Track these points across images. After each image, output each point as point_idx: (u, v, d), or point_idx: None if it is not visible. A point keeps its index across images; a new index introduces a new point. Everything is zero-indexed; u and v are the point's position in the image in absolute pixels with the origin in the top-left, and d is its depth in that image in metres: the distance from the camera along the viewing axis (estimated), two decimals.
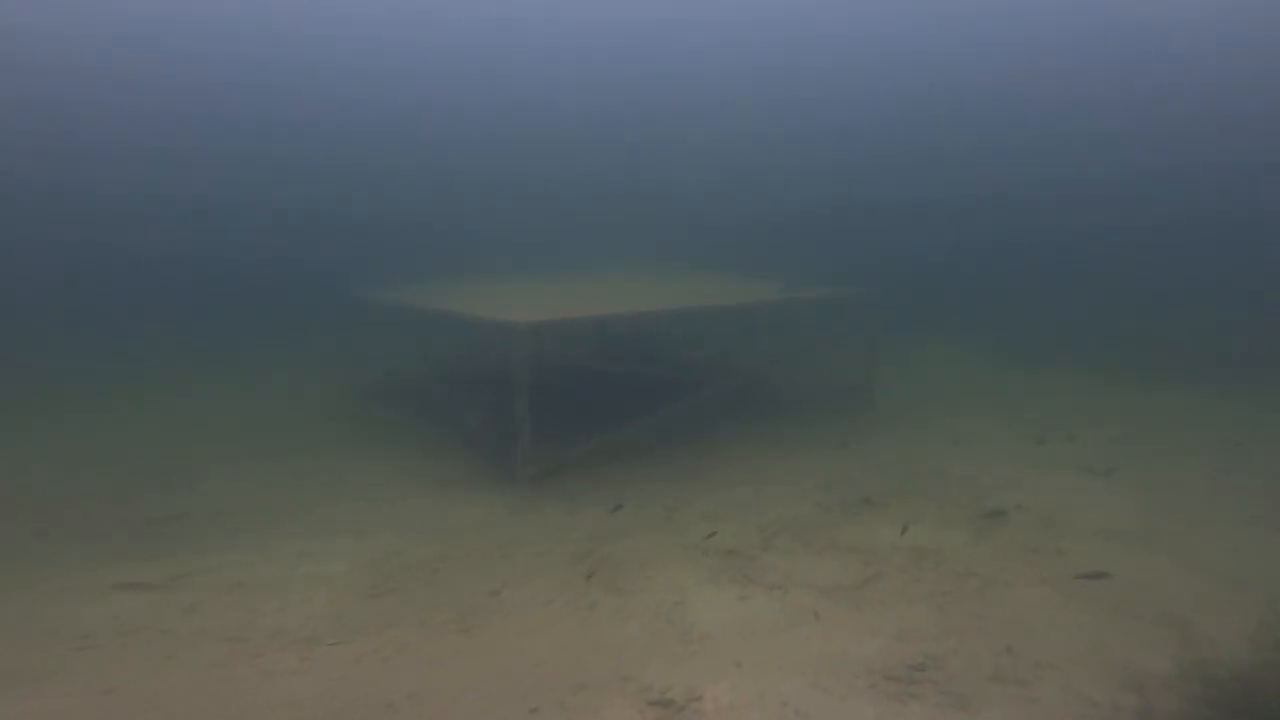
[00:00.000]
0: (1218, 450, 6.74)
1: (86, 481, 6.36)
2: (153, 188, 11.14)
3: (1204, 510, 5.44)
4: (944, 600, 4.17)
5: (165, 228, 11.21)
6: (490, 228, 12.95)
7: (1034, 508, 5.51)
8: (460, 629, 4.02)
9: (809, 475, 6.36)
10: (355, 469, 6.70)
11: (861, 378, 8.25)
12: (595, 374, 6.54)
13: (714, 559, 4.86)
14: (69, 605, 4.25)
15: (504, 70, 14.54)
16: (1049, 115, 12.43)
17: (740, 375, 7.57)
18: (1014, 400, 8.84)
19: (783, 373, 8.49)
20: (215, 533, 5.37)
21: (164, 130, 11.40)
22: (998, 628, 3.88)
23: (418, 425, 7.86)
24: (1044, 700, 3.28)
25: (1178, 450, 6.78)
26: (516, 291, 7.89)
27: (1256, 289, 10.63)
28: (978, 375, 10.22)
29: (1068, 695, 3.31)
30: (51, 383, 9.36)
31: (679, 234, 11.79)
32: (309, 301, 10.02)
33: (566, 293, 7.77)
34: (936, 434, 7.46)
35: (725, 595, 4.35)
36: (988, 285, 12.01)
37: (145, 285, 10.98)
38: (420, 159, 13.38)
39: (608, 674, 3.53)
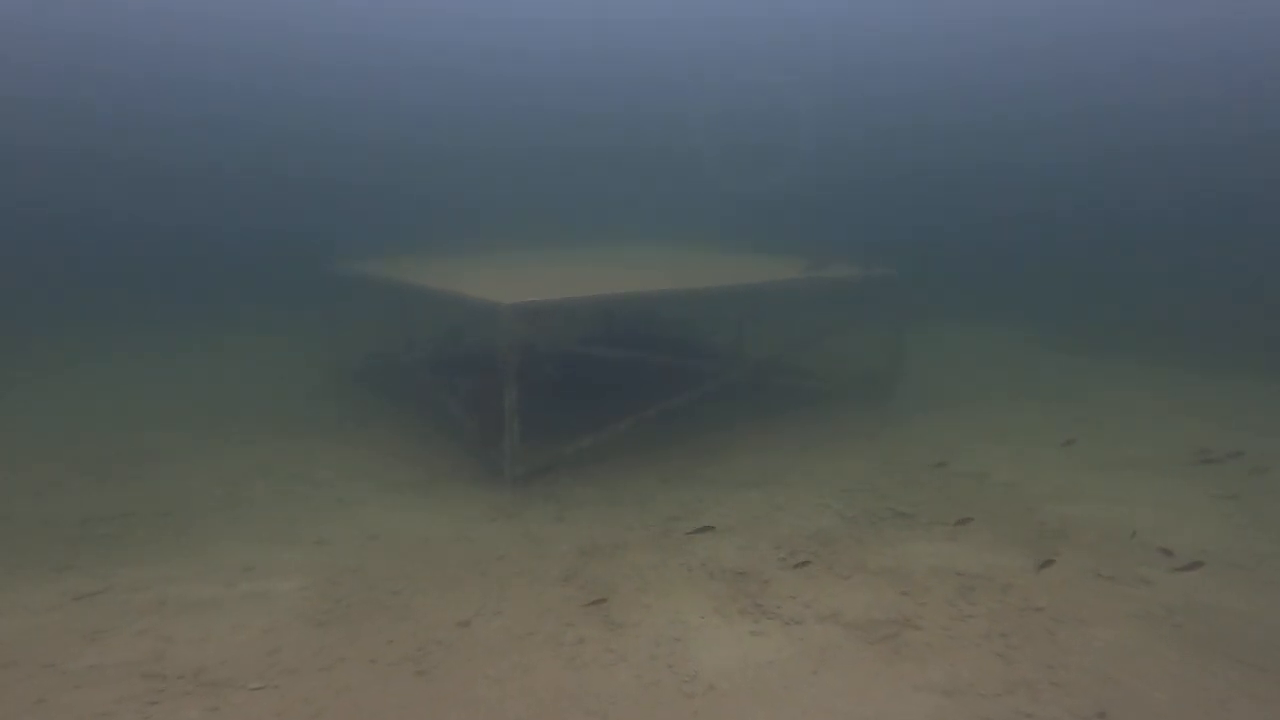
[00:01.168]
0: None
1: (17, 471, 5.69)
2: (120, 152, 10.42)
3: None
4: (1006, 644, 3.45)
5: (135, 193, 10.51)
6: (495, 201, 12.21)
7: (1103, 522, 4.76)
8: (417, 670, 3.33)
9: (830, 478, 5.63)
10: (326, 462, 6.02)
11: (887, 365, 7.49)
12: (592, 361, 5.79)
13: (721, 583, 4.15)
14: None
15: (508, 39, 13.67)
16: (1094, 84, 11.49)
17: (754, 363, 6.81)
18: (1059, 389, 8.01)
19: (801, 360, 7.73)
20: (155, 537, 4.70)
21: (135, 94, 10.64)
22: (1080, 682, 3.15)
23: (400, 413, 7.17)
24: None
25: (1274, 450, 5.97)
26: (514, 268, 7.15)
27: None
28: (1016, 361, 9.35)
29: None
30: None
31: (695, 210, 11.02)
32: (289, 273, 9.32)
33: (566, 271, 7.03)
34: (975, 429, 6.70)
35: (734, 631, 3.65)
36: (1025, 263, 11.13)
37: (107, 252, 10.30)
38: (422, 131, 12.61)
39: None
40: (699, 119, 9.39)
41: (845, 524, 4.87)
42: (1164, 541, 4.46)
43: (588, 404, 6.93)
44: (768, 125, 10.60)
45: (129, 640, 3.47)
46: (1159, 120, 11.02)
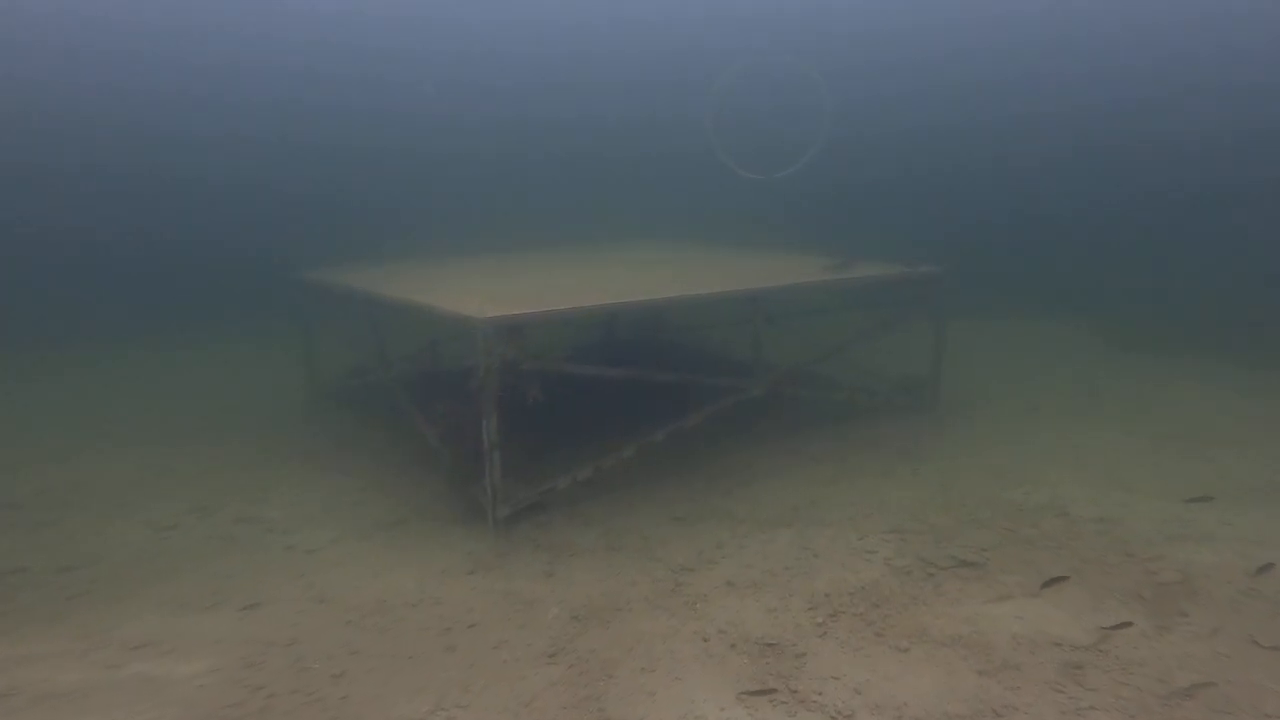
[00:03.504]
0: None
1: None
2: (74, 158, 9.75)
3: None
4: None
5: (93, 201, 9.82)
6: (491, 201, 11.42)
7: (1237, 570, 3.81)
8: None
9: (874, 514, 4.71)
10: (282, 497, 5.18)
11: (930, 372, 6.57)
12: (590, 380, 4.93)
13: (745, 658, 3.27)
14: None
15: (512, 38, 12.88)
16: (1153, 71, 10.48)
17: (777, 375, 5.91)
18: (1138, 396, 6.98)
19: (831, 370, 6.82)
20: (42, 600, 3.88)
21: (88, 100, 9.96)
22: None
23: (376, 439, 6.33)
24: None
25: None
26: (500, 274, 6.33)
27: None
28: (1082, 363, 8.24)
29: None
30: None
31: (707, 206, 10.19)
32: (257, 284, 8.57)
33: (560, 276, 6.19)
34: (1043, 450, 5.73)
35: None
36: (1090, 254, 10.05)
37: (56, 261, 9.61)
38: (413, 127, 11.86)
39: None
40: (711, 110, 8.55)
41: (897, 576, 3.96)
42: None
43: (585, 428, 6.08)
44: (790, 117, 9.70)
45: None
46: (1226, 104, 10.02)
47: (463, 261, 7.35)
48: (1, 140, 9.35)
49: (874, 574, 3.99)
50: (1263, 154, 9.76)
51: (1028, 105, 10.69)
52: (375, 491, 5.30)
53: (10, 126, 9.39)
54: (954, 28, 11.12)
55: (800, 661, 3.24)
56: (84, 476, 5.52)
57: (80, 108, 9.83)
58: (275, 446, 6.26)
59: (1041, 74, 10.67)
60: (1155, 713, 2.75)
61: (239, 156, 10.56)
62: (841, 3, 11.28)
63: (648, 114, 11.20)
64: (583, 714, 2.93)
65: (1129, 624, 3.35)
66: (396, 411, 6.21)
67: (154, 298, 9.81)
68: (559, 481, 4.89)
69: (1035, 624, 3.42)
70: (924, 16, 11.04)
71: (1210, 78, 10.10)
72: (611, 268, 6.73)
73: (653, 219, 9.33)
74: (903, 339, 6.68)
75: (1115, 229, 10.12)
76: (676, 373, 5.39)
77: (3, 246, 9.15)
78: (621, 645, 3.40)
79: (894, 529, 4.49)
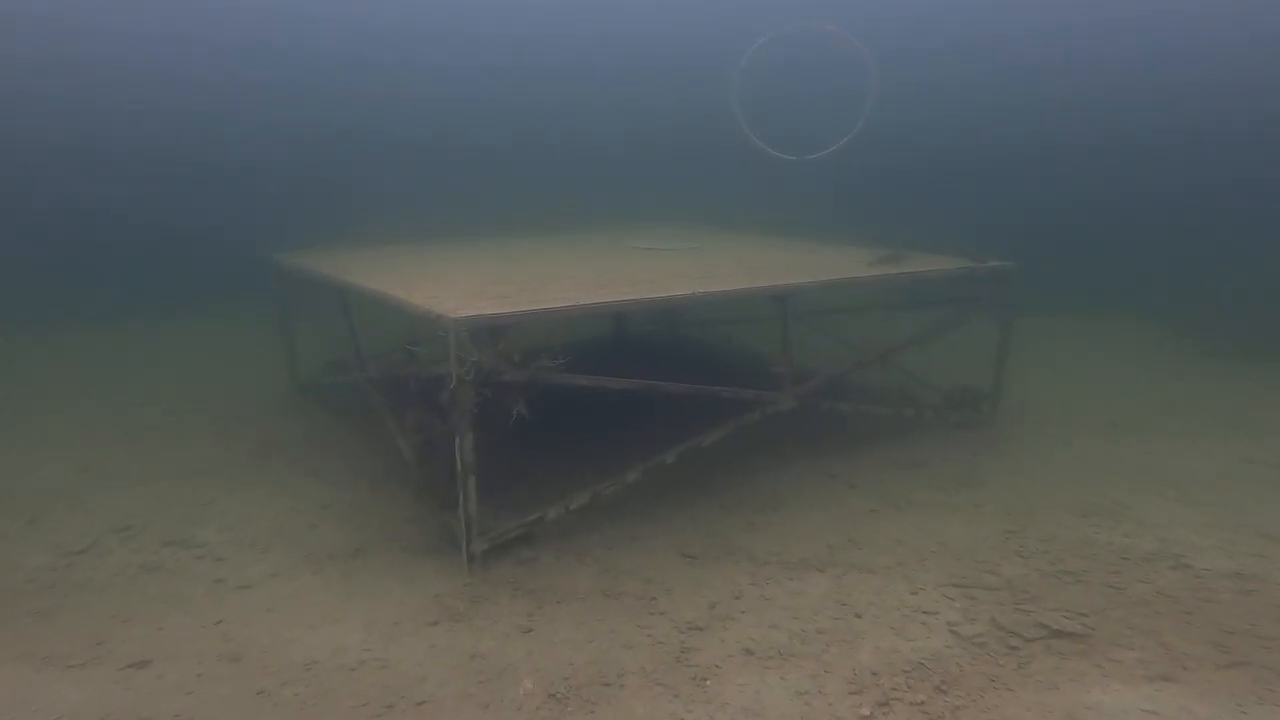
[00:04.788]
0: None
1: None
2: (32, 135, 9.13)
3: None
4: None
5: (51, 179, 9.18)
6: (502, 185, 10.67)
7: None
8: None
9: (927, 558, 3.85)
10: (226, 516, 4.43)
11: (993, 383, 5.67)
12: (587, 390, 4.12)
13: None
14: None
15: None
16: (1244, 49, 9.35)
17: (810, 387, 5.04)
18: (1237, 416, 5.93)
19: (873, 380, 5.95)
20: None
21: (46, 74, 9.32)
22: None
23: (346, 445, 5.58)
24: None
25: None
26: (505, 260, 5.54)
27: None
28: (1164, 374, 7.16)
29: None
30: None
31: (733, 193, 9.35)
32: (226, 267, 7.88)
33: (560, 265, 5.37)
34: (1132, 477, 4.80)
35: None
36: (1169, 248, 8.95)
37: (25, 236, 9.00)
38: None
39: None
40: (739, 82, 7.67)
41: (968, 649, 3.09)
42: None
43: (582, 443, 5.28)
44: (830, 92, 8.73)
45: None
46: None
47: (464, 245, 6.59)
48: None
49: (936, 644, 3.12)
50: None
51: (1107, 81, 9.61)
52: (338, 510, 4.54)
53: None
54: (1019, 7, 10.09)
55: None
56: (4, 484, 4.80)
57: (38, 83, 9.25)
58: (238, 446, 5.53)
59: (1124, 44, 9.57)
60: None
61: (233, 134, 9.91)
62: None
63: (676, 84, 10.43)
64: None
65: None
66: (371, 416, 5.45)
67: (130, 277, 9.18)
68: (549, 510, 4.08)
69: None
70: None
71: None
72: (626, 256, 5.91)
73: (678, 204, 8.52)
74: (952, 341, 5.78)
75: (1206, 220, 8.98)
76: (692, 380, 4.55)
77: None
78: None
79: (957, 581, 3.62)
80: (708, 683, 2.92)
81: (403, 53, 10.80)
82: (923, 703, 2.77)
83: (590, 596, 3.58)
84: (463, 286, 4.47)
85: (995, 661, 3.01)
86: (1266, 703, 2.66)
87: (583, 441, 5.26)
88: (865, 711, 2.74)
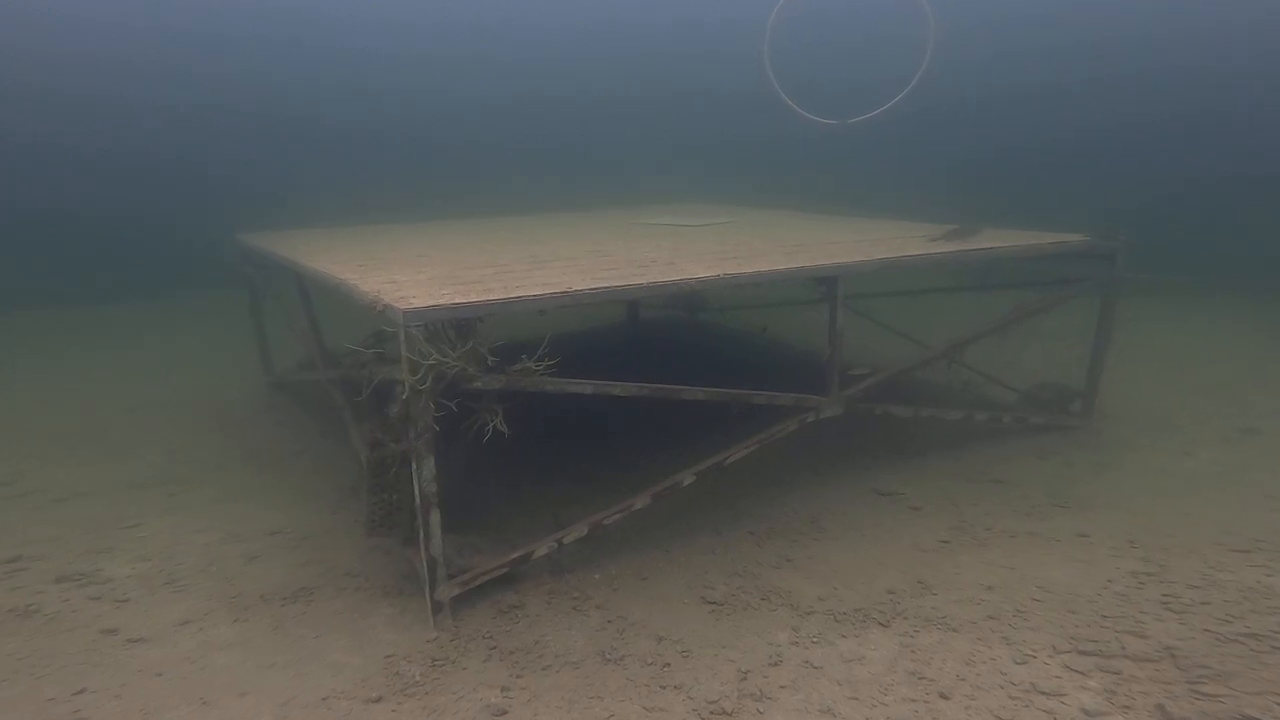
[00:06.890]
0: None
1: None
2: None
3: None
4: None
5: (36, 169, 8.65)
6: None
7: None
8: None
9: (1027, 610, 2.93)
10: (141, 542, 3.65)
11: (1089, 379, 4.71)
12: (582, 398, 3.26)
13: None
14: None
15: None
16: None
17: (860, 391, 4.11)
18: None
19: (932, 377, 5.02)
20: None
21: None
22: None
23: (310, 455, 4.78)
24: None
25: None
26: (499, 240, 4.72)
27: None
28: None
29: None
30: None
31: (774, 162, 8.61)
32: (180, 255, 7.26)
33: (555, 250, 4.50)
34: (1267, 493, 3.84)
35: None
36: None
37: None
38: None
39: None
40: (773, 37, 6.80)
41: None
42: None
43: (580, 455, 4.44)
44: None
45: None
46: None
47: (453, 225, 5.81)
48: None
49: None
50: None
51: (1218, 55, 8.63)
52: (287, 537, 3.73)
53: None
54: None
55: None
56: None
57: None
58: (191, 455, 4.78)
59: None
60: None
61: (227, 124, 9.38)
62: None
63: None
64: None
65: None
66: (336, 424, 4.66)
67: (100, 265, 8.60)
68: (538, 545, 3.22)
69: None
70: None
71: None
72: (638, 234, 5.05)
73: (710, 179, 7.85)
74: (1021, 330, 4.82)
75: None
76: (715, 380, 3.66)
77: None
78: None
79: (1083, 646, 2.69)
80: None
81: (414, 47, 10.39)
82: None
83: (586, 661, 2.72)
84: (433, 271, 3.65)
85: None
86: None
87: (582, 457, 4.41)
88: None
